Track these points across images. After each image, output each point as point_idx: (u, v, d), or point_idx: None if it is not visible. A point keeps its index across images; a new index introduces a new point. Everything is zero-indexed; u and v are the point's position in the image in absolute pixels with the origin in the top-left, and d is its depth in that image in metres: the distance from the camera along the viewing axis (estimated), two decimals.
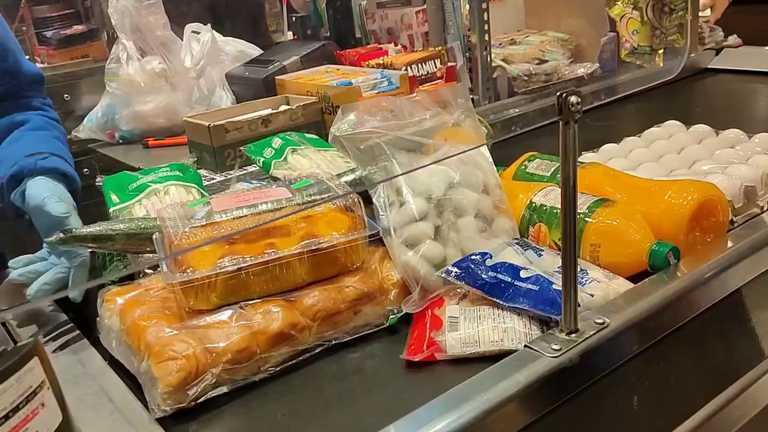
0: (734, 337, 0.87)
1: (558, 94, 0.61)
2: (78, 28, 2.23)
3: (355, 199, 0.84)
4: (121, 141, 1.60)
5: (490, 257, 0.80)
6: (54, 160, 0.97)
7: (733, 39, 1.99)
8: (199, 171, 1.26)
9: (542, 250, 0.83)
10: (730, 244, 0.86)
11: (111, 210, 0.93)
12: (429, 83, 1.46)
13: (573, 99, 0.60)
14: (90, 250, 0.88)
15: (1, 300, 0.93)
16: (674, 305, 0.76)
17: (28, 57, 2.07)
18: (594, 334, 0.68)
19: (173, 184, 0.97)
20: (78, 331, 0.85)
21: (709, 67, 1.92)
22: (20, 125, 1.07)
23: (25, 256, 0.95)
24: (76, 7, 2.35)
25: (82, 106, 1.74)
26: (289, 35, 1.91)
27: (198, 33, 1.61)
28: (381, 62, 1.49)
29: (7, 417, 0.52)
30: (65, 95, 1.78)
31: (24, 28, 2.11)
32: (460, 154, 0.87)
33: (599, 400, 0.71)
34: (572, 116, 0.61)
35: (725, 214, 0.88)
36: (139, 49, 1.57)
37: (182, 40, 1.61)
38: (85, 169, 1.72)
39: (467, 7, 1.57)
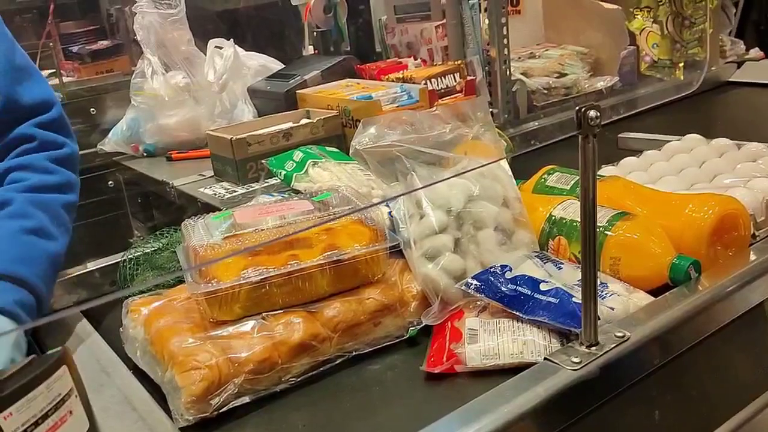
0: (757, 352, 0.86)
1: (577, 108, 0.61)
2: (103, 44, 2.28)
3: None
4: (145, 154, 1.63)
5: (510, 270, 0.81)
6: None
7: (754, 52, 1.98)
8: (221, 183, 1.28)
9: (562, 263, 0.84)
10: (752, 258, 0.85)
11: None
12: (448, 97, 1.47)
13: (592, 113, 0.61)
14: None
15: None
16: (696, 319, 0.75)
17: (53, 71, 2.11)
18: (614, 347, 0.68)
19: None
20: (103, 341, 0.87)
21: (731, 80, 1.91)
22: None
23: None
24: (101, 22, 2.40)
25: (107, 119, 1.77)
26: (311, 50, 1.93)
27: (221, 48, 1.64)
28: (401, 76, 1.51)
29: (36, 424, 0.53)
30: (91, 109, 1.81)
31: (51, 44, 2.15)
32: (480, 167, 0.88)
33: (620, 414, 0.71)
34: (591, 130, 0.61)
35: (747, 228, 0.88)
36: (163, 64, 1.59)
37: (205, 54, 1.64)
38: (110, 182, 1.75)
39: (486, 21, 1.58)
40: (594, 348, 0.68)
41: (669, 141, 1.26)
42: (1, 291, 0.79)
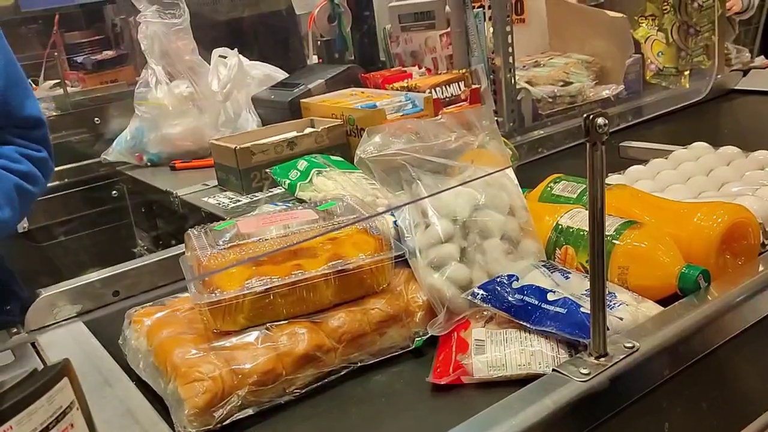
0: (767, 362, 0.85)
1: (585, 115, 0.60)
2: (108, 54, 2.28)
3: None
4: (149, 164, 1.63)
5: (517, 279, 0.80)
6: None
7: (760, 60, 1.97)
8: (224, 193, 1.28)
9: (569, 273, 0.83)
10: (761, 267, 0.84)
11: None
12: (453, 106, 1.46)
13: (600, 120, 0.60)
14: None
15: (31, 321, 0.94)
16: (705, 329, 0.74)
17: (57, 81, 2.12)
18: (624, 358, 0.67)
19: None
20: (106, 352, 0.86)
21: (736, 88, 1.90)
22: None
23: None
24: (106, 33, 2.41)
25: (111, 129, 1.77)
26: (315, 59, 1.93)
27: (225, 57, 1.64)
28: (405, 85, 1.50)
29: None
30: (95, 119, 1.81)
31: (55, 54, 2.16)
32: (485, 176, 0.87)
33: (629, 426, 0.70)
34: (599, 137, 0.61)
35: (756, 236, 0.87)
36: (167, 74, 1.60)
37: (209, 64, 1.64)
38: (114, 192, 1.75)
39: (491, 29, 1.58)
40: (603, 359, 0.67)
41: (671, 150, 1.26)
42: None
